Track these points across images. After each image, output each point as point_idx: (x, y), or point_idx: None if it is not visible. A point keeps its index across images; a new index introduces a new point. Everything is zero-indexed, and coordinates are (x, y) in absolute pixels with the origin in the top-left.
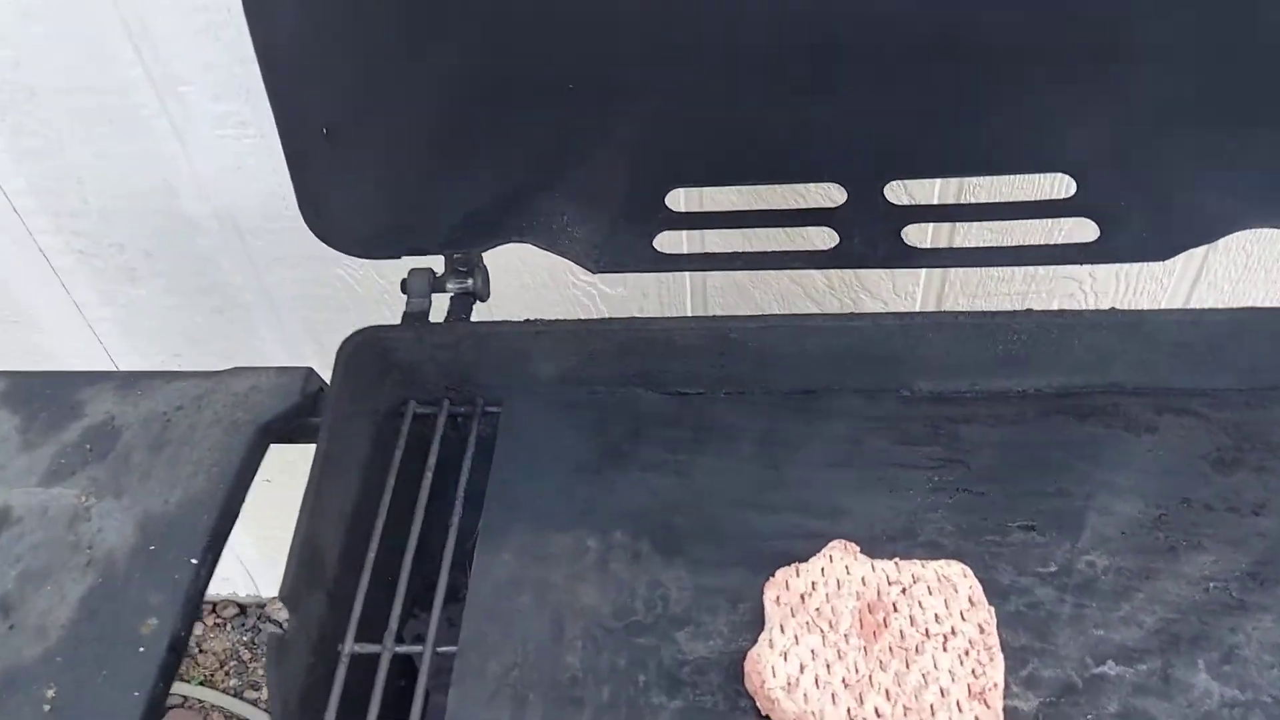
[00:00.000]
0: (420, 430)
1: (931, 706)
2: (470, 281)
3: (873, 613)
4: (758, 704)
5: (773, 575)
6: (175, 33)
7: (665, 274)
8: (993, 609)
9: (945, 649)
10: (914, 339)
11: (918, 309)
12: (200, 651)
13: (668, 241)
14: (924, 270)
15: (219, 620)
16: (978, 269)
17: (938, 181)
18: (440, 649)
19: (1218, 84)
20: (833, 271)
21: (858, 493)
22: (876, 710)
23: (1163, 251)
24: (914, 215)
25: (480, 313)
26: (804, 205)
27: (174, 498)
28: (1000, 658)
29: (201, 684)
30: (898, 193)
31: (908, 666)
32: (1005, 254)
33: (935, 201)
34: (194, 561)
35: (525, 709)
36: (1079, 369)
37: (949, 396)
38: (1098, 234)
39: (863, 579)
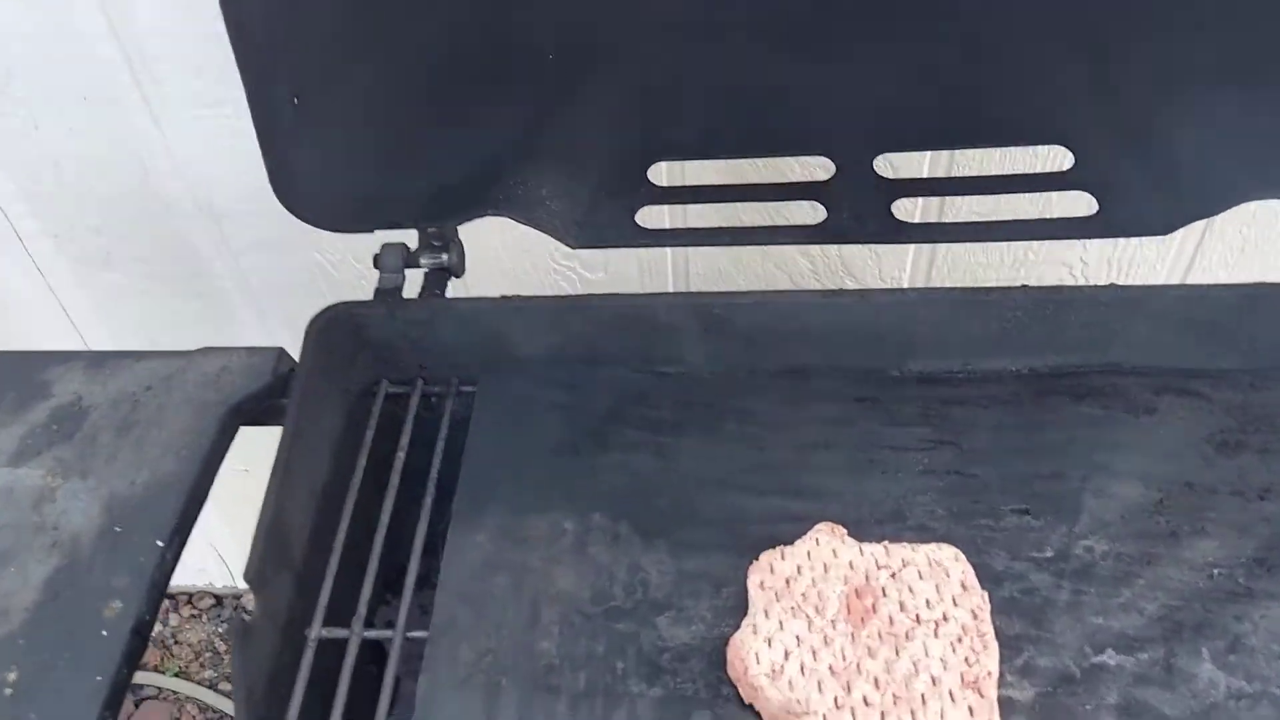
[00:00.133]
0: (393, 410)
1: (923, 695)
2: (445, 257)
3: (860, 598)
4: (740, 692)
5: (757, 559)
6: (149, 5)
7: (647, 260)
8: (986, 594)
9: (937, 635)
10: (905, 316)
11: None
12: (175, 643)
13: (650, 217)
14: (910, 255)
15: (194, 612)
16: (966, 255)
17: (927, 156)
18: (411, 634)
19: (1222, 48)
20: (817, 256)
21: (845, 475)
22: (865, 698)
23: (1164, 225)
24: (905, 189)
25: (455, 290)
26: (792, 180)
27: (141, 479)
28: (994, 645)
29: (177, 675)
30: (885, 167)
31: (897, 654)
32: (1000, 229)
33: (925, 175)
34: (160, 544)
35: (499, 696)
36: (1076, 348)
37: (940, 376)
38: (1096, 208)
39: (850, 563)
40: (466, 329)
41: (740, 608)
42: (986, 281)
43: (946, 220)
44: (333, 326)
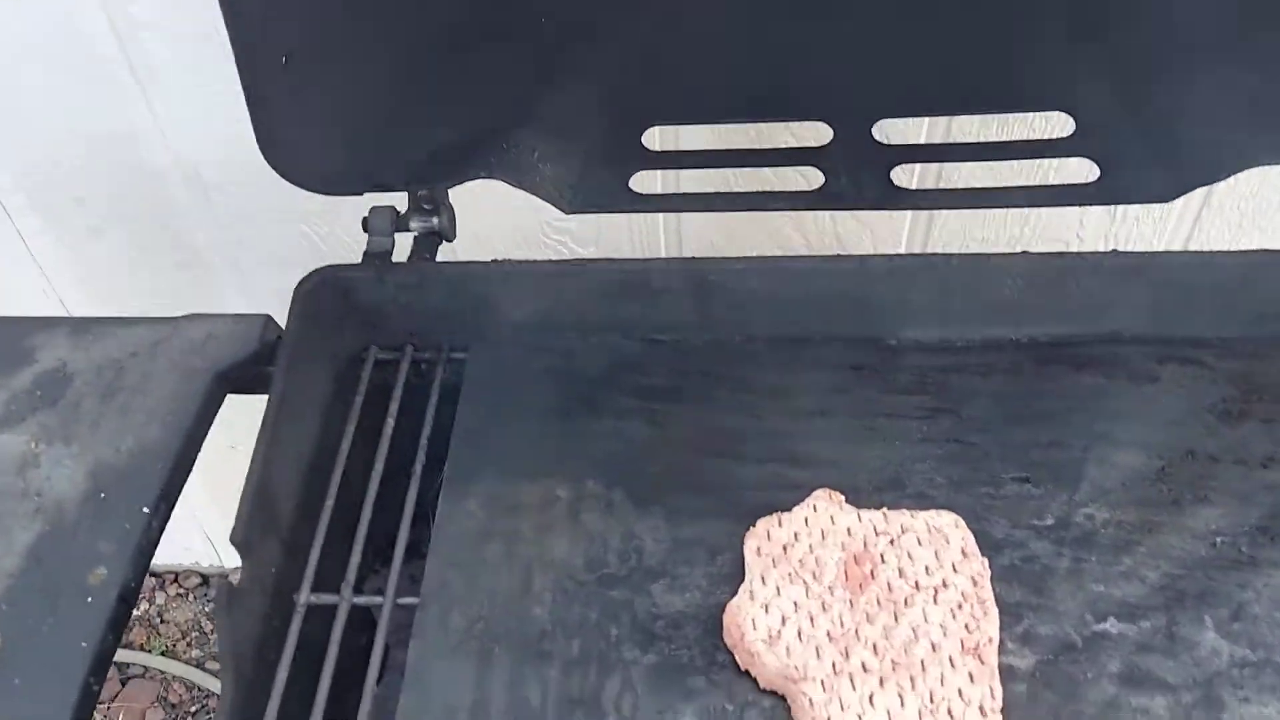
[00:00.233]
0: (382, 377)
1: (922, 661)
2: (435, 220)
3: (859, 564)
4: (737, 658)
5: (753, 525)
6: None
7: (639, 233)
8: (986, 561)
9: (936, 602)
10: (903, 282)
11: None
12: (162, 622)
13: (644, 182)
14: (905, 230)
15: (181, 590)
16: (961, 231)
17: (925, 122)
18: (401, 600)
19: (1223, 11)
20: (810, 227)
21: (843, 443)
22: (864, 664)
23: (1167, 191)
24: (904, 155)
25: (445, 255)
26: (788, 145)
27: (126, 446)
28: (995, 611)
29: (163, 654)
30: (883, 133)
31: (896, 620)
32: (999, 195)
33: (923, 141)
34: (146, 511)
35: (490, 663)
36: (1076, 316)
37: (939, 344)
38: (1097, 175)
39: (848, 529)
40: (457, 294)
41: (736, 575)
42: None
43: (945, 186)
44: (321, 289)
